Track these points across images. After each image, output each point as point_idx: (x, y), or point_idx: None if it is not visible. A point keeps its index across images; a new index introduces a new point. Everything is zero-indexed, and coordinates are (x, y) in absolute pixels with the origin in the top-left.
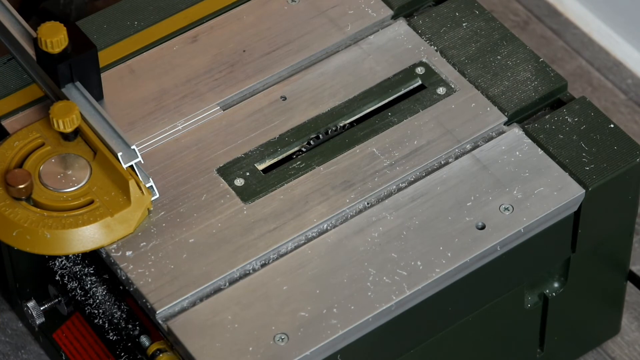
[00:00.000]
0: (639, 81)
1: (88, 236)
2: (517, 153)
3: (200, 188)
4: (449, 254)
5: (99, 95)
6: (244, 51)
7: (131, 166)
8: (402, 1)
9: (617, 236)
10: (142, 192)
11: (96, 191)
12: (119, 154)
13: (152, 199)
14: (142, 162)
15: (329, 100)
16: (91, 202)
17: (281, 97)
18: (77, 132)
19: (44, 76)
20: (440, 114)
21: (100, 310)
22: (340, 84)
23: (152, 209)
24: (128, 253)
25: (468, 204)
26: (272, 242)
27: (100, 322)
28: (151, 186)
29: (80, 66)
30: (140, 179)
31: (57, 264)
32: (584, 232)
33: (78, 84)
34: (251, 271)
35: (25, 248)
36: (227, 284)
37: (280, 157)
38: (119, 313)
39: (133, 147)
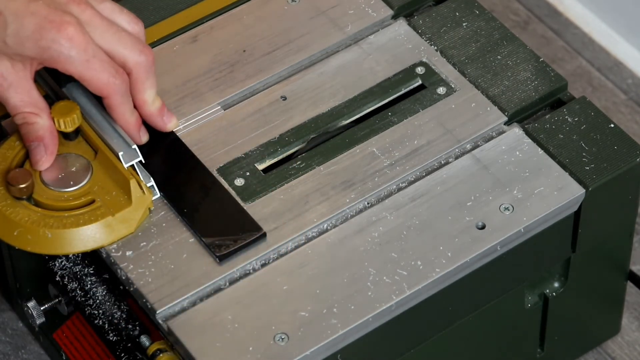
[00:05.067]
0: (639, 81)
1: (89, 236)
2: (517, 153)
3: None
4: (449, 254)
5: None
6: (244, 51)
7: (132, 166)
8: (402, 1)
9: (617, 236)
10: (143, 192)
11: (97, 191)
12: (120, 154)
13: (153, 198)
14: (143, 161)
15: (329, 100)
16: (92, 201)
17: (281, 97)
18: (78, 131)
19: (45, 75)
20: (440, 114)
21: (101, 311)
22: (340, 84)
23: (153, 208)
24: (128, 253)
25: (468, 204)
26: (272, 242)
27: (101, 323)
28: (152, 185)
29: None
30: (142, 178)
31: (58, 264)
32: (584, 232)
33: (79, 83)
34: (251, 271)
35: (26, 247)
36: (227, 284)
37: (280, 157)
38: (119, 313)
39: (134, 146)
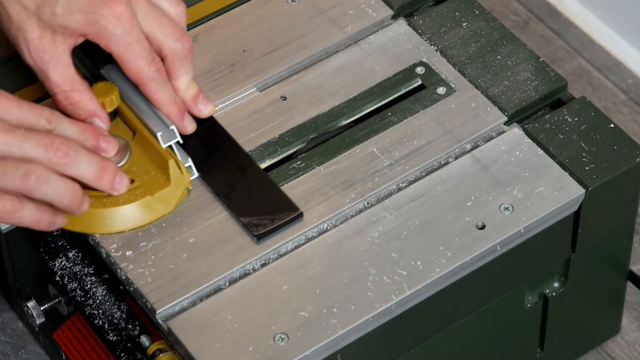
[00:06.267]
0: (639, 81)
1: (128, 215)
2: (517, 153)
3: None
4: (449, 254)
5: None
6: (244, 51)
7: (170, 146)
8: (402, 1)
9: (617, 236)
10: (182, 172)
11: (136, 171)
12: (159, 134)
13: (191, 178)
14: (181, 142)
15: (329, 100)
16: (131, 181)
17: (281, 97)
18: (116, 112)
19: (82, 57)
20: (440, 114)
21: (101, 311)
22: (340, 84)
23: (191, 188)
24: (128, 253)
25: (468, 204)
26: (272, 242)
27: (101, 323)
28: (190, 166)
29: None
30: (180, 158)
31: (58, 264)
32: (584, 232)
33: (117, 65)
34: (251, 271)
35: (67, 226)
36: (227, 284)
37: (280, 157)
38: (119, 313)
39: (172, 127)
